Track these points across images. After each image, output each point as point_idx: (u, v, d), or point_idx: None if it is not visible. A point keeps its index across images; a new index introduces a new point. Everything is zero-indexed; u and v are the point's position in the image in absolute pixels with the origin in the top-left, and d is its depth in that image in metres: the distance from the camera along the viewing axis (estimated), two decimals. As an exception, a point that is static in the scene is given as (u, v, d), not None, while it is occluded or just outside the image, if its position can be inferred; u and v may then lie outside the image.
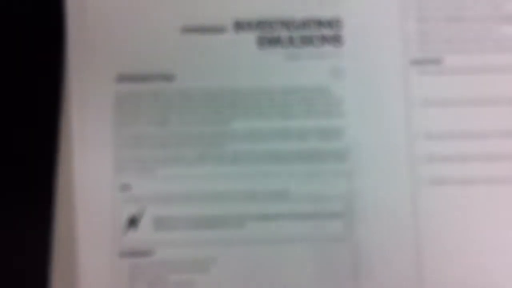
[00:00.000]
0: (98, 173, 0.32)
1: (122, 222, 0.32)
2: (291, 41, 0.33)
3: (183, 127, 0.32)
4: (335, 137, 0.32)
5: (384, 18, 0.33)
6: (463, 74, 0.32)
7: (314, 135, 0.32)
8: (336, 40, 0.33)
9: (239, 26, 0.33)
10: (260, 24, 0.33)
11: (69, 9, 0.33)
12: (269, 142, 0.32)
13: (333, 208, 0.32)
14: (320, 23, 0.33)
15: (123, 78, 0.32)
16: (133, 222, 0.32)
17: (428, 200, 0.31)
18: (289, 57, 0.33)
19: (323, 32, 0.33)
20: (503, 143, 0.32)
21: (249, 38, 0.33)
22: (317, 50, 0.33)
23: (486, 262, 0.31)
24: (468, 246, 0.31)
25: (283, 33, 0.33)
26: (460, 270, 0.31)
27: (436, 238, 0.31)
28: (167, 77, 0.32)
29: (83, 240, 0.31)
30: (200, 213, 0.32)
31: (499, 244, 0.31)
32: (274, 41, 0.33)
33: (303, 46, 0.33)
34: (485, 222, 0.31)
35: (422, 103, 0.32)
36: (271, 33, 0.33)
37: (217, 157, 0.32)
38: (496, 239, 0.31)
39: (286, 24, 0.33)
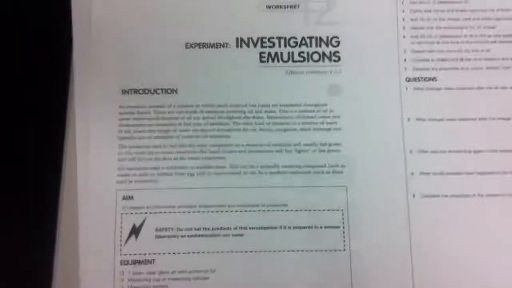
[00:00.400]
0: (102, 183, 0.32)
1: (123, 231, 0.32)
2: (291, 57, 0.34)
3: (185, 139, 0.33)
4: (332, 151, 0.33)
5: (380, 37, 0.34)
6: (457, 92, 0.33)
7: (312, 148, 0.33)
8: (333, 57, 0.34)
9: (241, 42, 0.34)
10: (261, 41, 0.34)
11: (74, 22, 0.34)
12: (268, 154, 0.33)
13: (330, 219, 0.32)
14: (319, 40, 0.34)
15: (127, 91, 0.33)
16: (134, 231, 0.32)
17: (421, 212, 0.32)
18: (289, 73, 0.34)
19: (322, 49, 0.34)
20: (494, 158, 0.33)
21: (251, 54, 0.34)
22: (315, 66, 0.34)
23: (479, 272, 0.32)
24: (461, 257, 0.32)
25: (284, 50, 0.34)
26: (453, 279, 0.32)
27: (429, 249, 0.32)
28: (170, 91, 0.33)
29: (85, 247, 0.32)
30: (200, 223, 0.32)
31: (491, 256, 0.32)
32: (275, 57, 0.34)
33: (303, 62, 0.34)
34: (477, 234, 0.32)
35: (416, 119, 0.33)
36: (272, 49, 0.34)
37: (217, 169, 0.33)
38: (488, 251, 0.32)
39: (287, 41, 0.34)
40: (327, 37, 0.34)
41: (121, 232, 0.32)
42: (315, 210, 0.32)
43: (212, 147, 0.33)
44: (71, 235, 0.32)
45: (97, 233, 0.32)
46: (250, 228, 0.32)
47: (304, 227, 0.32)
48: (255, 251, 0.32)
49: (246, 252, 0.32)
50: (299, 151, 0.33)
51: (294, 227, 0.32)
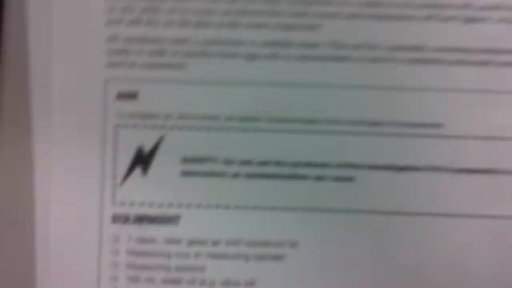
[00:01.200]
0: (77, 68, 0.18)
1: (119, 160, 0.17)
2: None
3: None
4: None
5: None
6: None
7: (498, 16, 0.17)
8: None
9: None
10: None
11: None
12: (405, 24, 0.17)
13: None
14: None
15: None
16: (140, 160, 0.17)
17: None
18: None
19: None
20: None
21: None
22: None
23: None
24: None
25: None
26: None
27: None
28: None
29: (47, 191, 0.17)
30: (267, 152, 0.17)
31: None
32: None
33: None
34: None
35: None
36: None
37: (303, 49, 0.17)
38: None
39: None
40: None
41: (114, 161, 0.17)
42: (501, 140, 0.17)
43: (292, 5, 0.18)
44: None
45: (66, 161, 0.17)
46: (367, 166, 0.17)
47: (478, 171, 0.17)
48: (378, 212, 0.17)
49: (357, 212, 0.17)
50: (469, 20, 0.17)
51: (459, 170, 0.17)
